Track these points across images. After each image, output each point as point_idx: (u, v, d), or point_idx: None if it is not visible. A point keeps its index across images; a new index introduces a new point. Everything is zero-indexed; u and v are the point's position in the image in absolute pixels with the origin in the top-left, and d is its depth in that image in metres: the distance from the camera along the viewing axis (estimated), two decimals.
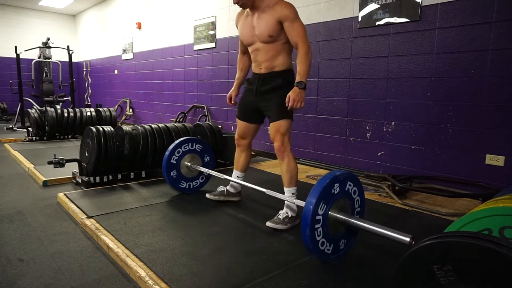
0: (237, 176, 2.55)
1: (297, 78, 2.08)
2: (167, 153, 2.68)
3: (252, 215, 2.37)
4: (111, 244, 1.87)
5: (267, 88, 2.23)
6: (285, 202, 2.18)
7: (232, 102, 2.53)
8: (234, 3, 2.16)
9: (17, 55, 6.61)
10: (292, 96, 2.05)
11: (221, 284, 1.53)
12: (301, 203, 1.87)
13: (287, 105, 2.07)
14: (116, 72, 8.42)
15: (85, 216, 2.28)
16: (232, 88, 2.55)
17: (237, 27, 2.37)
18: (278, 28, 2.12)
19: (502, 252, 0.81)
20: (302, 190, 2.29)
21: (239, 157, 2.56)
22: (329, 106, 3.84)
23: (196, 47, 5.72)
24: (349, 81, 3.63)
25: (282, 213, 2.17)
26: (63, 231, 2.18)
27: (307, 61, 2.08)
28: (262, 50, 2.20)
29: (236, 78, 2.57)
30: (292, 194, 2.18)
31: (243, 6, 2.19)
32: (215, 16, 5.29)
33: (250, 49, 2.30)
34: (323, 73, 3.87)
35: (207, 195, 2.60)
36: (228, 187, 2.62)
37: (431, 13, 2.98)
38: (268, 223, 2.12)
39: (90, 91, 10.00)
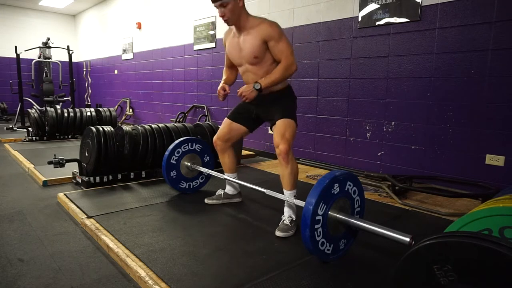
0: (229, 178, 2.52)
1: (260, 79, 2.10)
2: (167, 153, 2.68)
3: (252, 215, 2.37)
4: (111, 244, 1.87)
5: (267, 103, 2.23)
6: (286, 204, 2.14)
7: (226, 90, 2.30)
8: (220, 16, 2.16)
9: (17, 55, 6.60)
10: (243, 88, 2.10)
11: (221, 284, 1.53)
12: (301, 203, 1.87)
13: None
14: (116, 72, 8.42)
15: (85, 216, 2.28)
16: (221, 83, 2.37)
17: (224, 45, 2.36)
18: (263, 48, 2.11)
19: (502, 252, 0.81)
20: (302, 190, 2.29)
21: (223, 158, 2.50)
22: (329, 106, 3.84)
23: (196, 47, 5.72)
24: (349, 81, 3.63)
25: (287, 218, 2.11)
26: (63, 231, 2.18)
27: (281, 73, 2.07)
28: (251, 71, 2.20)
29: (223, 79, 2.44)
30: (294, 196, 2.14)
31: (227, 22, 2.18)
32: (215, 16, 5.29)
33: (240, 70, 2.31)
34: (323, 73, 3.87)
35: (206, 200, 2.58)
36: (226, 190, 2.62)
37: (431, 13, 2.98)
38: (278, 233, 2.04)
39: (90, 91, 10.00)
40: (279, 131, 2.12)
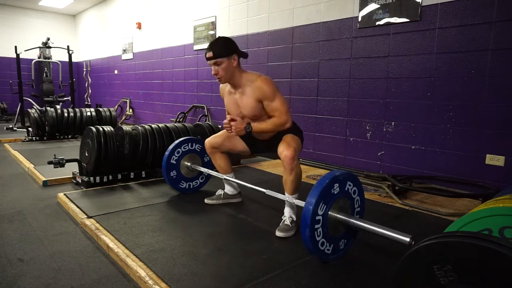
0: (227, 178, 2.52)
1: (252, 124, 2.14)
2: (166, 153, 2.68)
3: (252, 215, 2.37)
4: (111, 244, 1.87)
5: (271, 140, 2.26)
6: (286, 204, 2.13)
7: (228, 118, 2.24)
8: (213, 74, 2.16)
9: (17, 55, 6.61)
10: (237, 123, 2.13)
11: (221, 284, 1.53)
12: (301, 203, 1.86)
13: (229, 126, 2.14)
14: (116, 72, 8.42)
15: (85, 216, 2.28)
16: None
17: (222, 96, 2.38)
18: (260, 106, 2.16)
19: (502, 252, 0.81)
20: (302, 190, 2.28)
21: (215, 161, 2.51)
22: (329, 106, 3.84)
23: (196, 47, 5.72)
24: (349, 81, 3.63)
25: (288, 218, 2.10)
26: (63, 231, 2.18)
27: (273, 126, 2.12)
28: (233, 103, 2.25)
29: None
30: (295, 199, 2.10)
31: (220, 80, 2.19)
32: (215, 16, 5.29)
33: (225, 100, 2.34)
34: (323, 73, 3.87)
35: (206, 200, 2.58)
36: (225, 190, 2.62)
37: (431, 13, 2.98)
38: (278, 233, 2.03)
39: (90, 91, 10.00)
40: (284, 141, 2.09)
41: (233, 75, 2.16)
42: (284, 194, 2.13)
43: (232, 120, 2.17)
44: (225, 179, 2.53)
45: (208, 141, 2.49)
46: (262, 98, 2.12)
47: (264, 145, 2.36)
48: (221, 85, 2.37)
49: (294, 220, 2.11)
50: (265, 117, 2.20)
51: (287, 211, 2.14)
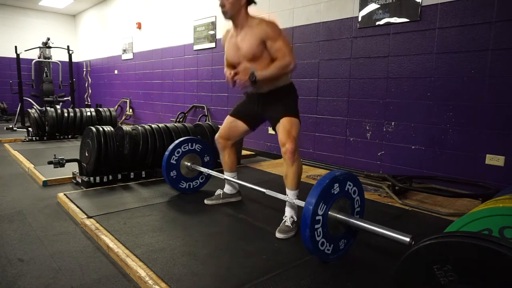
0: (228, 177, 2.52)
1: (257, 71, 2.07)
2: (166, 153, 2.68)
3: (252, 215, 2.37)
4: (111, 244, 1.87)
5: (269, 100, 2.22)
6: (287, 204, 2.13)
7: (233, 71, 2.20)
8: (220, 5, 2.14)
9: (17, 55, 6.61)
10: (241, 73, 2.07)
11: (221, 284, 1.53)
12: (301, 203, 1.86)
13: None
14: (116, 72, 8.42)
15: (85, 216, 2.28)
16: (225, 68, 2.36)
17: (223, 46, 2.36)
18: (261, 47, 2.11)
19: (502, 252, 0.81)
20: (302, 190, 2.27)
21: (224, 157, 2.50)
22: (329, 106, 3.84)
23: (196, 47, 5.72)
24: (349, 81, 3.63)
25: (288, 218, 2.09)
26: (63, 231, 2.18)
27: (277, 70, 2.06)
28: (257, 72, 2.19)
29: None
30: (297, 196, 2.12)
31: (225, 14, 2.16)
32: (215, 16, 5.29)
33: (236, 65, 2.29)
34: (323, 73, 3.87)
35: (206, 201, 2.58)
36: (225, 189, 2.61)
37: (431, 13, 2.98)
38: (278, 235, 2.02)
39: (90, 91, 10.00)
40: (284, 129, 2.09)
41: (238, 12, 2.13)
42: (284, 194, 2.12)
43: (235, 74, 2.12)
44: (226, 179, 2.53)
45: (218, 135, 2.48)
46: (266, 38, 2.08)
47: (262, 109, 2.28)
48: (223, 33, 2.35)
49: (295, 220, 2.10)
50: (265, 61, 2.14)
51: (288, 211, 2.13)
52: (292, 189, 2.11)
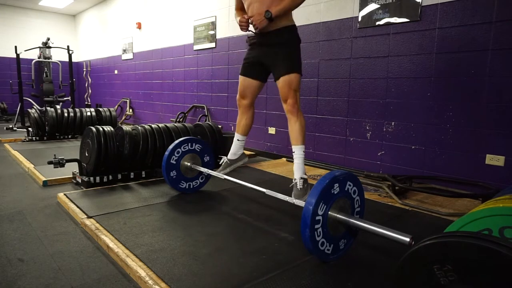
0: (237, 139, 2.59)
1: (270, 8, 2.15)
2: (166, 153, 2.68)
3: (252, 215, 2.37)
4: (111, 244, 1.87)
5: (272, 43, 2.25)
6: (295, 166, 2.23)
7: (246, 17, 2.32)
8: None
9: (17, 55, 6.60)
10: (254, 16, 2.15)
11: (221, 284, 1.53)
12: (301, 203, 1.86)
13: (273, 45, 2.15)
14: (116, 72, 8.42)
15: (85, 216, 2.28)
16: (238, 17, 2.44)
17: None
18: None
19: (502, 252, 0.81)
20: None
21: (240, 119, 2.59)
22: (329, 106, 3.84)
23: (196, 47, 5.72)
24: (349, 81, 3.63)
25: (298, 180, 2.17)
26: (63, 231, 2.18)
27: (289, 1, 2.15)
28: (258, 1, 2.24)
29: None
30: (303, 151, 2.25)
31: None
32: (215, 16, 5.29)
33: (246, 4, 2.34)
34: (323, 73, 3.87)
35: (217, 172, 2.59)
36: (229, 156, 2.65)
37: (431, 13, 2.98)
38: (295, 201, 1.95)
39: (90, 91, 10.00)
40: (286, 84, 2.19)
41: None
42: (284, 194, 2.13)
43: (249, 17, 2.18)
44: (225, 178, 2.53)
45: (238, 95, 2.57)
46: None
47: (265, 57, 2.33)
48: None
49: (306, 178, 2.16)
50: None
51: (296, 173, 2.20)
52: (299, 144, 2.23)
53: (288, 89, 2.18)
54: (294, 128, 2.24)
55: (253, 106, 2.58)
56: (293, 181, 2.19)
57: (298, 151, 2.23)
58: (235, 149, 2.62)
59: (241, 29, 2.34)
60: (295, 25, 2.33)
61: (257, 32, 2.31)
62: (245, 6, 2.35)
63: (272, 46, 2.25)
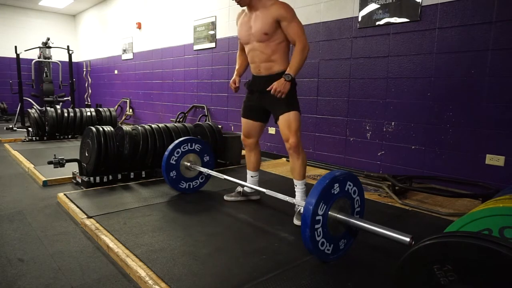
0: (251, 176, 2.62)
1: (287, 70, 2.17)
2: (166, 153, 2.68)
3: (252, 215, 2.37)
4: (111, 244, 1.87)
5: (269, 92, 2.26)
6: (297, 195, 2.31)
7: (237, 84, 2.48)
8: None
9: (17, 55, 6.60)
10: (276, 85, 2.14)
11: (221, 284, 1.53)
12: (301, 204, 1.87)
13: (271, 90, 2.16)
14: (116, 72, 8.42)
15: (85, 216, 2.28)
16: (234, 76, 2.53)
17: (237, 25, 2.45)
18: (274, 26, 2.19)
19: (502, 252, 0.81)
20: None
21: (249, 156, 2.63)
22: (329, 106, 3.84)
23: (196, 47, 5.72)
24: (349, 81, 3.63)
25: (302, 208, 2.21)
26: (63, 231, 2.18)
27: (300, 56, 2.16)
28: (258, 49, 2.27)
29: (236, 69, 2.57)
30: (305, 185, 2.31)
31: (240, 3, 2.25)
32: (215, 16, 5.29)
33: (247, 49, 2.37)
34: (323, 73, 3.87)
35: (225, 197, 2.65)
36: (245, 188, 2.66)
37: (431, 13, 2.98)
38: (297, 222, 2.16)
39: (90, 91, 10.00)
40: (286, 124, 2.24)
41: None
42: (284, 194, 2.13)
43: (275, 89, 2.17)
44: (225, 179, 2.53)
45: (242, 135, 2.60)
46: (280, 18, 2.16)
47: (263, 101, 2.37)
48: (237, 14, 2.44)
49: None
50: (273, 43, 2.22)
51: (298, 199, 2.24)
52: (300, 179, 2.29)
53: (288, 130, 2.23)
54: (296, 165, 2.29)
55: (259, 143, 2.63)
56: (296, 207, 2.26)
57: (300, 185, 2.31)
58: (251, 184, 2.63)
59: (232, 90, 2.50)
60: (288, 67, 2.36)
61: (254, 82, 2.41)
62: (246, 51, 2.39)
63: (269, 95, 2.27)
